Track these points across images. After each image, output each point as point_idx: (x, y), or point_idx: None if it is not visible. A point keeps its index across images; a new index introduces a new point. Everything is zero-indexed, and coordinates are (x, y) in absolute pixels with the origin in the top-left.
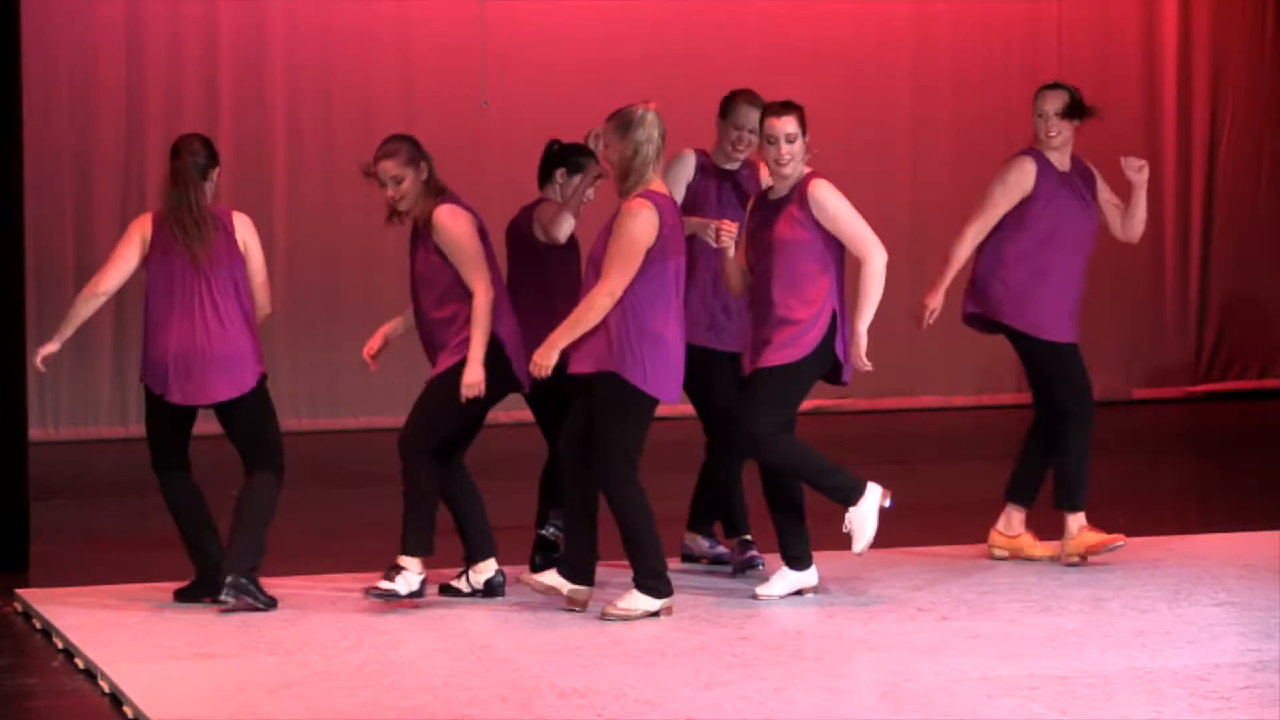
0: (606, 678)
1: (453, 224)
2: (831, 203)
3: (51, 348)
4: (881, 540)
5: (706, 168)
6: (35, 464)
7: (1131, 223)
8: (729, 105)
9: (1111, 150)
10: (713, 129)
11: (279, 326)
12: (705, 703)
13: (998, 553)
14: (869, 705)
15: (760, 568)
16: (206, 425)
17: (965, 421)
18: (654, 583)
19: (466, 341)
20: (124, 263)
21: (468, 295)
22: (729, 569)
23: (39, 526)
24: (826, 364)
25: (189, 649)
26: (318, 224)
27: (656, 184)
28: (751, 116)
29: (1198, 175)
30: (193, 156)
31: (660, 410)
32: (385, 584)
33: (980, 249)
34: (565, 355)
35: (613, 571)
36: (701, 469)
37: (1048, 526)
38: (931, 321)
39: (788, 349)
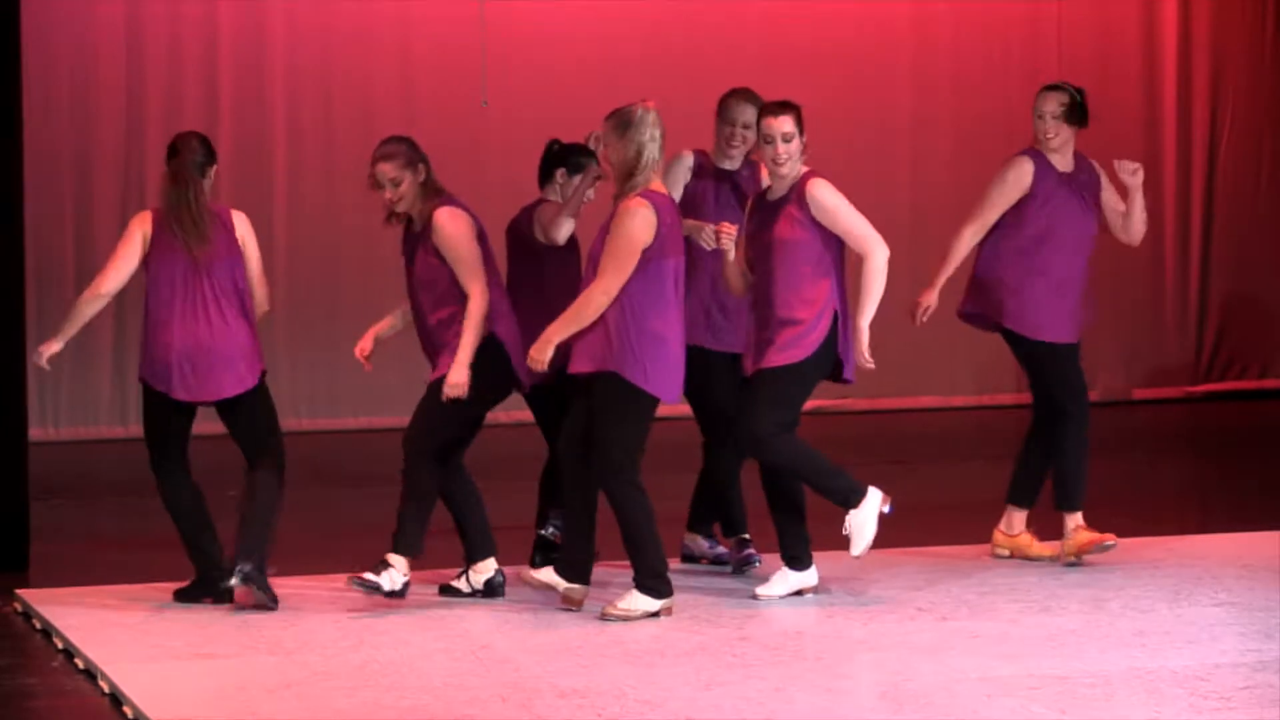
0: (606, 678)
1: (452, 226)
2: (830, 201)
3: (55, 346)
4: (881, 540)
5: (705, 168)
6: (35, 464)
7: (1131, 225)
8: (723, 103)
9: (1112, 150)
10: (712, 129)
11: (279, 326)
12: (705, 703)
13: (1000, 552)
14: (869, 705)
15: (757, 565)
16: (206, 425)
17: (965, 421)
18: (654, 583)
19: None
20: (126, 262)
21: (466, 297)
22: (729, 569)
23: (39, 526)
24: (829, 364)
25: (189, 649)
26: (318, 224)
27: (656, 184)
28: (744, 111)
29: (1198, 175)
30: (191, 154)
31: (660, 410)
32: (370, 575)
33: (980, 249)
34: (566, 355)
35: (613, 571)
36: (701, 470)
37: (1049, 527)
38: (925, 319)
39: (791, 349)
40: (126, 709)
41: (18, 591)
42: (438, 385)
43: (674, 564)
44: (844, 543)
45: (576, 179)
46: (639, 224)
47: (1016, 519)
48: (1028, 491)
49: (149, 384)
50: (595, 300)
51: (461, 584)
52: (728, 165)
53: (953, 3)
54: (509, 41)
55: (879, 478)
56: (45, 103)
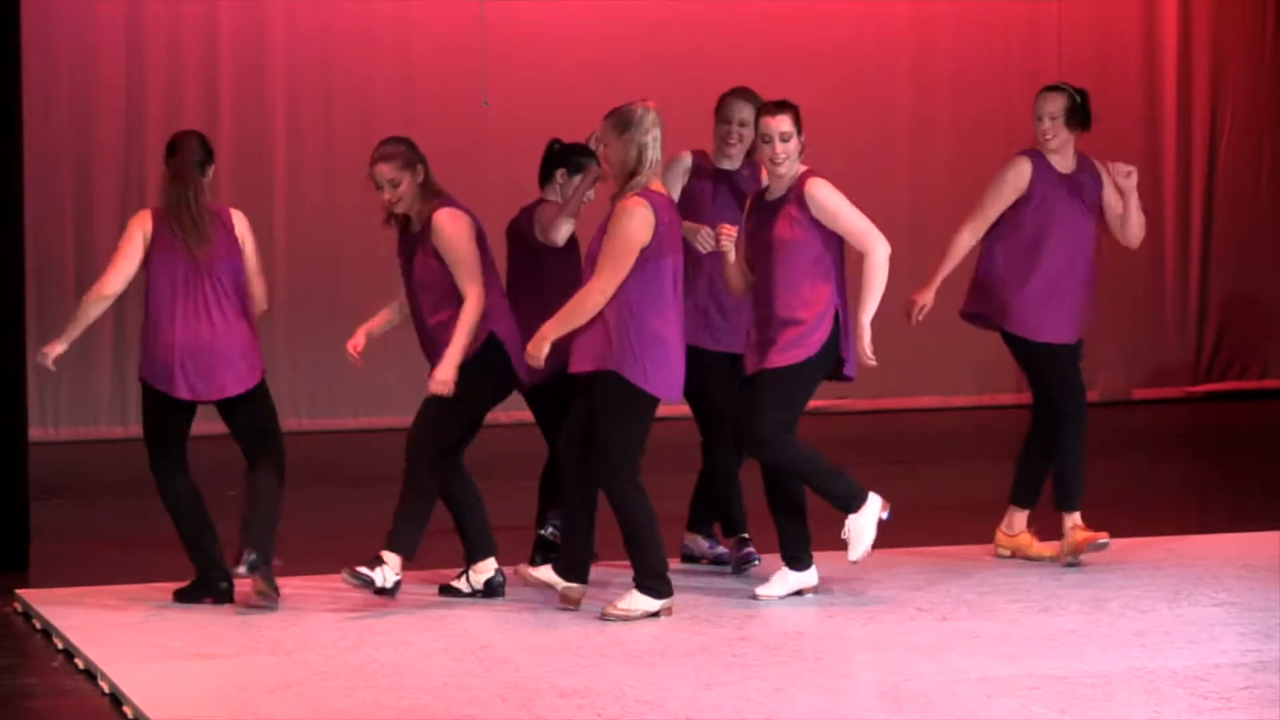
0: (606, 678)
1: (451, 228)
2: (830, 200)
3: (59, 348)
4: (881, 540)
5: (703, 169)
6: (35, 464)
7: (1127, 228)
8: (721, 102)
9: (1112, 150)
10: (712, 129)
11: (279, 326)
12: (705, 703)
13: (1001, 552)
14: (869, 705)
15: (757, 563)
16: (206, 425)
17: (965, 421)
18: (654, 583)
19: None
20: (128, 263)
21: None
22: (729, 569)
23: (39, 526)
24: (831, 363)
25: (189, 649)
26: (318, 224)
27: (655, 184)
28: (741, 109)
29: (1198, 175)
30: (191, 153)
31: (660, 410)
32: (364, 569)
33: (980, 249)
34: (565, 355)
35: (613, 571)
36: (700, 470)
37: (1050, 527)
38: (921, 318)
39: (793, 349)
40: (126, 709)
41: (18, 591)
42: None
43: (674, 564)
44: (844, 544)
45: (577, 179)
46: (636, 223)
47: (1018, 519)
48: (1029, 492)
49: (149, 383)
50: (591, 299)
51: (461, 584)
52: (727, 165)
53: (953, 3)
54: (509, 41)
55: (879, 478)
56: (45, 103)
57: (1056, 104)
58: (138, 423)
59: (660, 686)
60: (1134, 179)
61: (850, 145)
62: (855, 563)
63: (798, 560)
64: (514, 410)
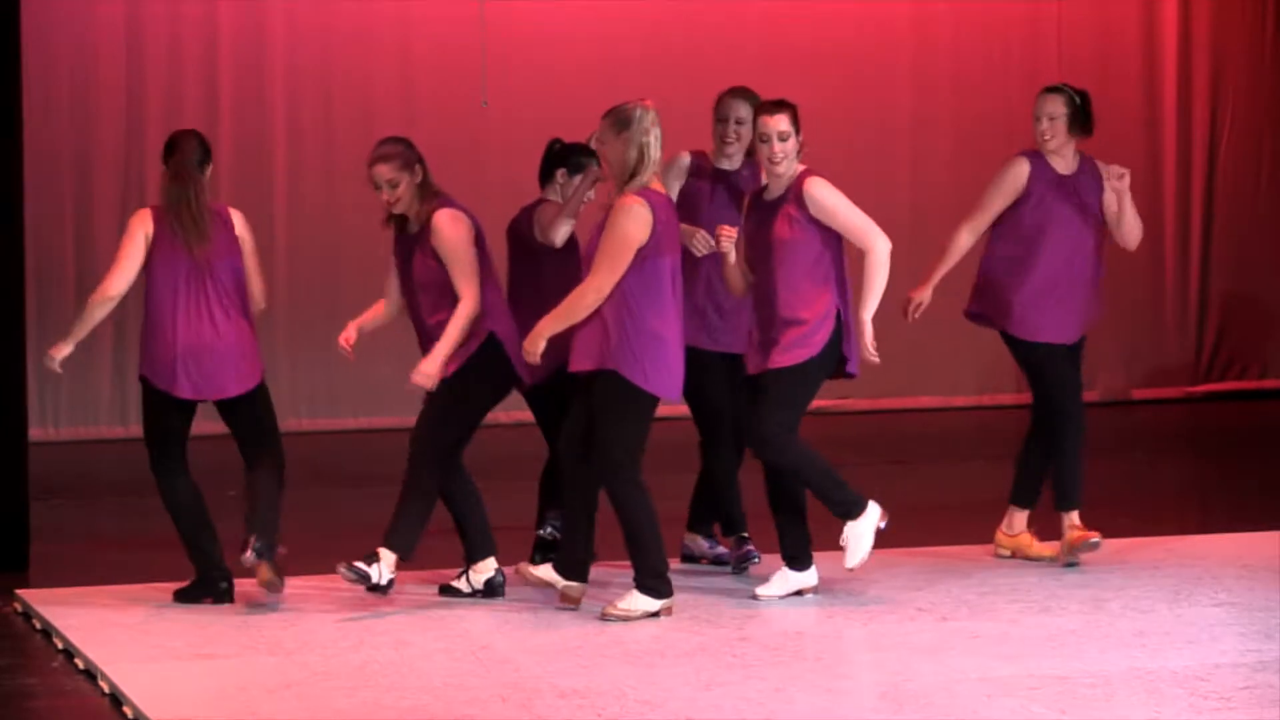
0: (606, 678)
1: (451, 229)
2: (829, 199)
3: (65, 349)
4: (881, 540)
5: (701, 169)
6: (35, 464)
7: (1121, 230)
8: (718, 100)
9: (1112, 150)
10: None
11: (279, 326)
12: (705, 703)
13: (1001, 552)
14: (869, 705)
15: (757, 561)
16: (206, 425)
17: (965, 421)
18: (655, 583)
19: (465, 345)
20: (131, 263)
21: None
22: (729, 569)
23: (39, 526)
24: (834, 362)
25: (189, 649)
26: (318, 224)
27: (654, 183)
28: (737, 107)
29: (1198, 175)
30: (191, 152)
31: (661, 410)
32: (361, 564)
33: (982, 250)
34: (566, 355)
35: (613, 571)
36: (700, 470)
37: (1050, 527)
38: (918, 315)
39: (797, 350)
40: (126, 709)
41: (18, 591)
42: (442, 387)
43: (674, 564)
44: (843, 547)
45: (577, 179)
46: (634, 221)
47: (1018, 519)
48: (1029, 492)
49: (150, 382)
50: (588, 296)
51: (461, 584)
52: (726, 165)
53: (953, 3)
54: (509, 41)
55: (879, 478)
56: (45, 103)
57: (1055, 105)
58: (138, 423)
59: (660, 686)
60: (1127, 181)
61: (850, 145)
62: (851, 570)
63: (798, 560)
64: (514, 410)
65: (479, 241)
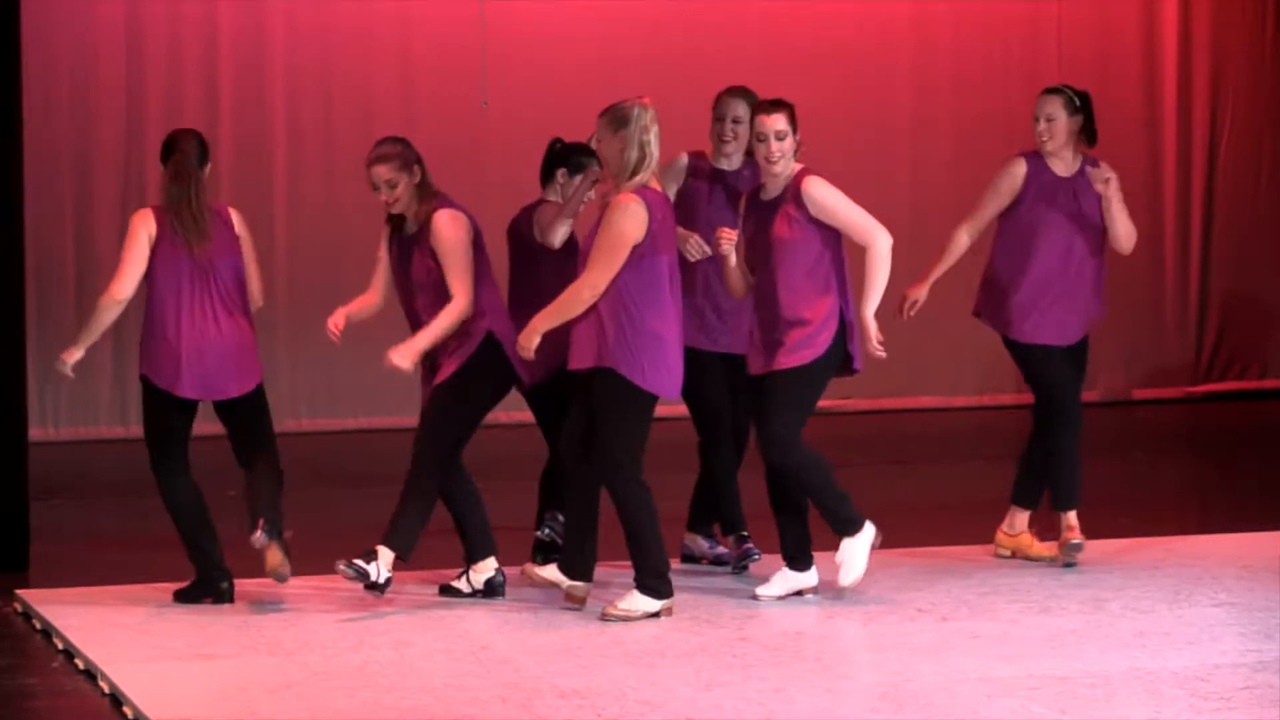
0: (607, 678)
1: (450, 230)
2: (828, 197)
3: (77, 354)
4: (882, 540)
5: (699, 170)
6: (35, 464)
7: (1113, 235)
8: (716, 100)
9: (1112, 150)
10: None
11: (279, 326)
12: (705, 703)
13: (1002, 552)
14: (869, 705)
15: (757, 558)
16: (206, 425)
17: (966, 421)
18: (656, 583)
19: (464, 345)
20: (137, 265)
21: None
22: (729, 569)
23: (39, 526)
24: (839, 361)
25: (189, 649)
26: (318, 224)
27: (652, 181)
28: (734, 106)
29: (1198, 175)
30: (190, 151)
31: (660, 410)
32: (359, 561)
33: (983, 250)
34: (565, 355)
35: (613, 571)
36: (700, 471)
37: (1051, 527)
38: (913, 313)
39: (801, 350)
40: (126, 709)
41: (18, 591)
42: (444, 389)
43: (674, 564)
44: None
45: (577, 179)
46: (629, 219)
47: (1019, 519)
48: (1030, 492)
49: (151, 381)
50: (583, 293)
51: (461, 584)
52: (725, 165)
53: (953, 3)
54: (509, 41)
55: (879, 478)
56: (45, 103)
57: (1054, 106)
58: (138, 423)
59: (660, 687)
60: (1113, 185)
61: (850, 145)
62: (845, 588)
63: (798, 560)
64: (514, 410)
65: (477, 242)
